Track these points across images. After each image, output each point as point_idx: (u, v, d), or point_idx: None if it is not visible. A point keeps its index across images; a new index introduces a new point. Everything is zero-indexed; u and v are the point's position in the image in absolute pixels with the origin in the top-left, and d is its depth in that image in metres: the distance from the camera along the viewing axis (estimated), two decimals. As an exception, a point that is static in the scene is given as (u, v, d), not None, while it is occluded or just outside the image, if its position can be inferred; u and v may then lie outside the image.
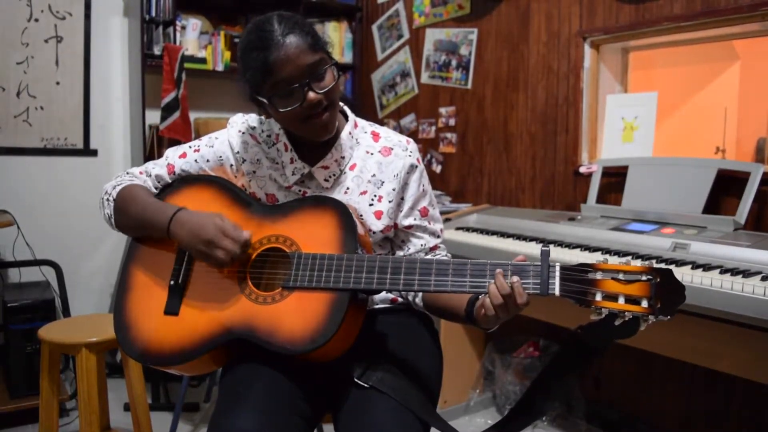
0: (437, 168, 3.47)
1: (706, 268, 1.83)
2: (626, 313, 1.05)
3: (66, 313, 3.00)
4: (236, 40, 3.47)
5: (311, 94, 1.24)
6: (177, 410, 2.49)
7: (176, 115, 3.09)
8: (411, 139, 1.45)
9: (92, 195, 1.94)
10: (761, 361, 1.91)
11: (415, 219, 1.42)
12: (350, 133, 1.41)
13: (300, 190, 1.40)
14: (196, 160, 1.44)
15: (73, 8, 3.25)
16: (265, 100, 1.27)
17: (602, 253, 2.11)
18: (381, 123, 1.61)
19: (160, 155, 1.50)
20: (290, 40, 1.22)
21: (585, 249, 2.18)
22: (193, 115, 3.43)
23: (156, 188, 1.45)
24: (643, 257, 2.00)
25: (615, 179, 2.61)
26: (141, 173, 1.46)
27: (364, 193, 1.39)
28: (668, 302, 1.04)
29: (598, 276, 1.08)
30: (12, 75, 3.14)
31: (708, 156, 2.92)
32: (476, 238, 2.54)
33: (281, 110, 1.26)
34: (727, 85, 3.45)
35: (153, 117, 3.22)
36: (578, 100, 2.76)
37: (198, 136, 2.65)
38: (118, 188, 1.40)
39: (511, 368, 2.82)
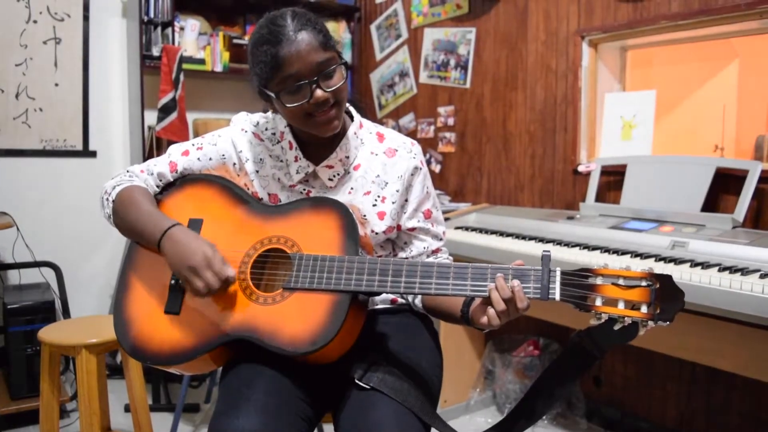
0: (436, 167, 3.48)
1: (705, 266, 1.83)
2: (626, 318, 1.06)
3: (66, 314, 3.00)
4: (235, 41, 3.48)
5: (319, 92, 1.24)
6: (177, 411, 2.49)
7: (173, 116, 3.09)
8: (415, 141, 1.45)
9: (92, 196, 1.94)
10: (761, 358, 1.92)
11: (418, 221, 1.42)
12: (355, 133, 1.41)
13: (304, 190, 1.39)
14: (198, 158, 1.43)
15: (72, 10, 3.25)
16: (272, 95, 1.27)
17: (601, 252, 2.11)
18: (380, 123, 1.62)
19: (159, 156, 1.50)
20: (302, 37, 1.23)
21: (584, 248, 2.18)
22: (192, 116, 3.43)
23: (158, 186, 1.44)
24: (641, 255, 2.01)
25: (614, 178, 2.61)
26: (142, 171, 1.44)
27: (368, 193, 1.38)
28: (667, 308, 1.05)
29: (599, 281, 1.09)
30: (11, 77, 3.14)
31: (707, 154, 2.92)
32: (475, 238, 2.54)
33: (288, 106, 1.25)
34: (725, 82, 3.45)
35: (152, 118, 3.22)
36: (577, 98, 2.76)
37: (197, 137, 2.65)
38: (118, 189, 1.38)
39: (511, 367, 2.82)
